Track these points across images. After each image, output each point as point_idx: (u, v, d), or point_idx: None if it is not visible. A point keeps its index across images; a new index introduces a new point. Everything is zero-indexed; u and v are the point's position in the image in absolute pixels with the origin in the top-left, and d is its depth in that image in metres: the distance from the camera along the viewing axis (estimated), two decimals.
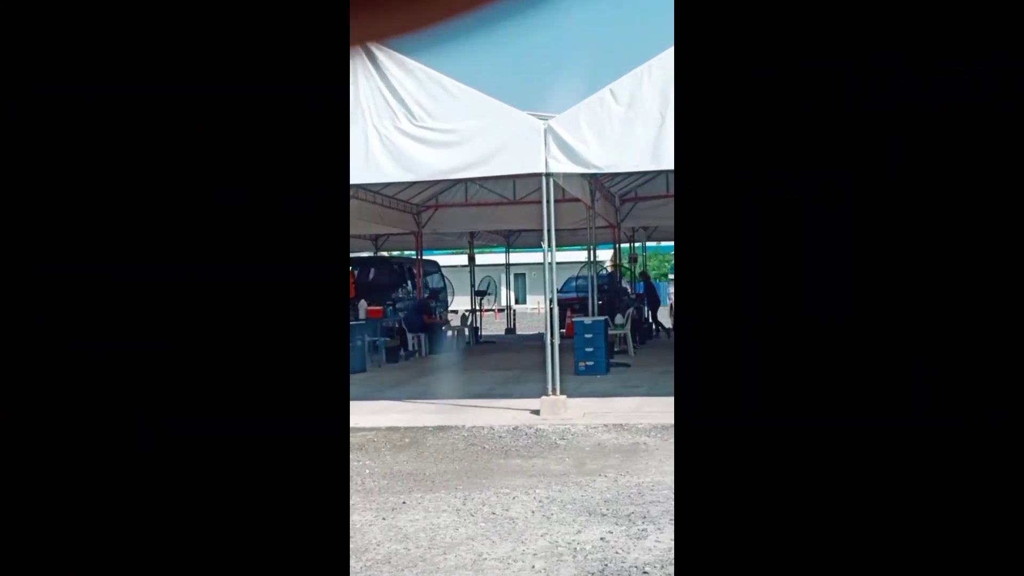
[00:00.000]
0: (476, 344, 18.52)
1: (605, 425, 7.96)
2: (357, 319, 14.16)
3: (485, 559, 4.30)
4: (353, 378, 12.37)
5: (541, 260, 9.22)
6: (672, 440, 4.07)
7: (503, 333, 21.32)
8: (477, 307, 20.45)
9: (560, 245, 9.96)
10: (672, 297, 24.07)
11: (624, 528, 4.75)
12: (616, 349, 13.67)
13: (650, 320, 18.09)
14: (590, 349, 11.46)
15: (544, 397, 8.71)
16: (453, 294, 21.11)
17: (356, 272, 16.72)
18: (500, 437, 7.68)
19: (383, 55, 9.09)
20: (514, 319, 22.72)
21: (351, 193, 13.12)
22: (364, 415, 8.93)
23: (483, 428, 8.05)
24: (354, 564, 4.27)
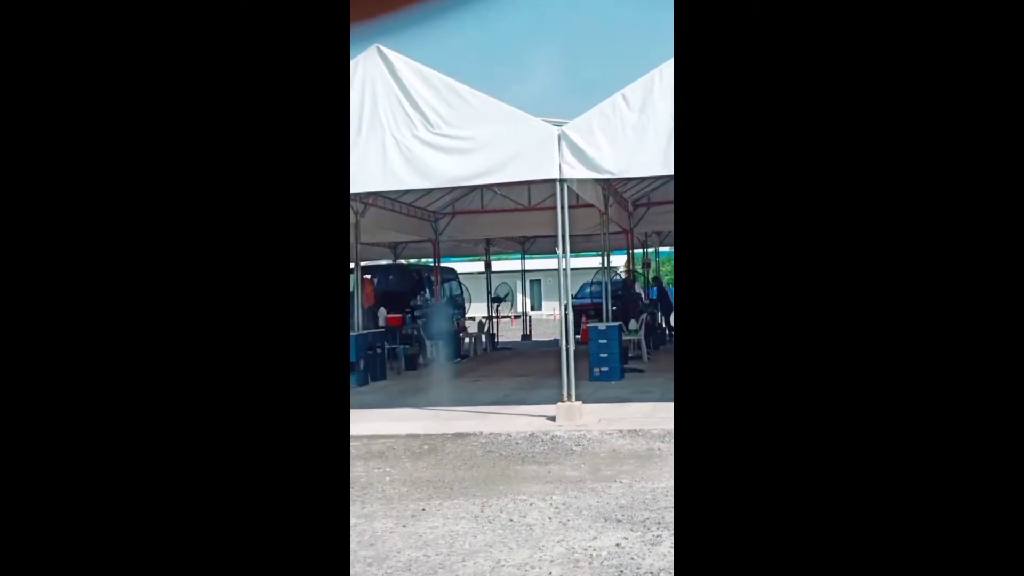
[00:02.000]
0: (493, 351, 18.56)
1: (620, 431, 7.99)
2: (377, 327, 14.23)
3: (503, 566, 4.35)
4: (373, 386, 12.44)
5: (556, 266, 9.27)
6: None
7: (519, 339, 21.36)
8: (494, 314, 20.49)
9: (574, 251, 10.00)
10: None
11: (639, 534, 4.79)
12: (630, 354, 13.68)
13: (663, 325, 18.08)
14: (605, 355, 11.49)
15: (560, 403, 8.75)
16: (470, 301, 21.17)
17: (375, 280, 16.80)
18: (517, 444, 7.73)
19: (402, 64, 9.18)
20: (530, 325, 22.74)
21: (370, 201, 13.20)
22: (384, 422, 9.00)
23: (500, 435, 8.11)
24: (376, 572, 4.33)
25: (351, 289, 12.82)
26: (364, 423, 8.94)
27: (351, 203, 12.66)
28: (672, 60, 8.48)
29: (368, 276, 15.72)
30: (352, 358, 12.20)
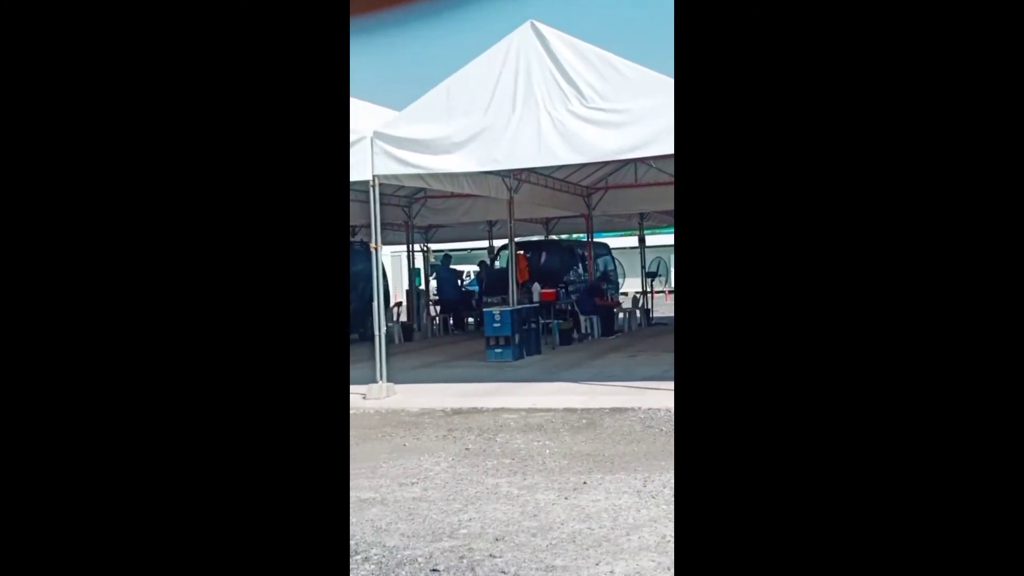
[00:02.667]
0: (648, 326, 18.40)
1: None
2: (532, 302, 14.36)
3: (669, 541, 4.30)
4: (528, 360, 12.58)
5: None
6: None
7: (674, 314, 21.08)
8: (648, 289, 20.31)
9: None
10: None
11: None
12: None
13: None
14: None
15: None
16: (624, 276, 21.03)
17: (529, 255, 16.93)
18: None
19: (555, 38, 9.16)
20: None
21: (523, 178, 13.28)
22: (541, 396, 9.07)
23: (659, 410, 8.02)
24: (539, 542, 4.37)
25: (505, 264, 12.95)
26: (521, 396, 9.04)
27: (504, 179, 12.78)
28: None
29: (522, 252, 15.85)
30: (507, 332, 12.37)
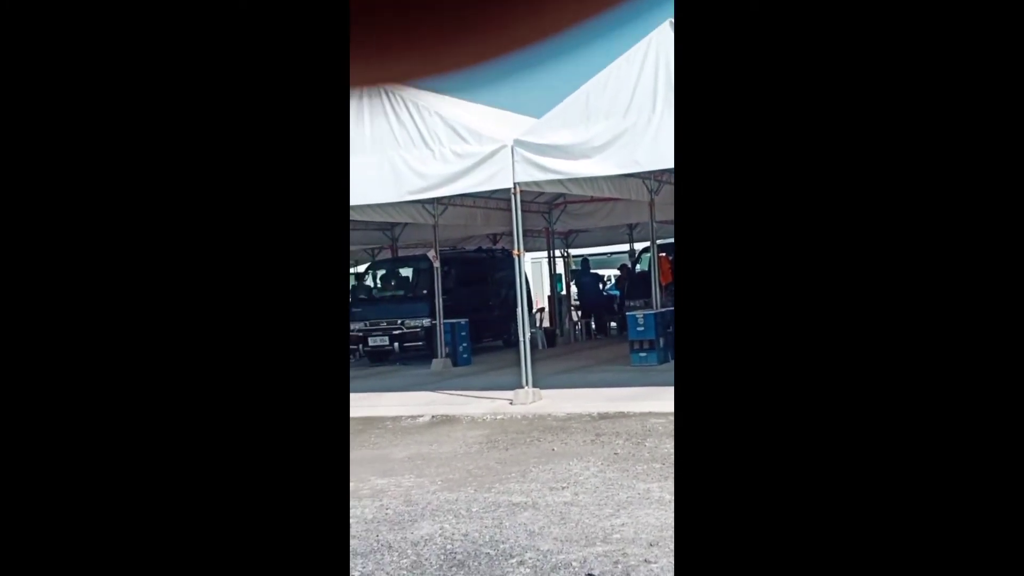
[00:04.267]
0: None
1: None
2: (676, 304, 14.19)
3: None
4: (671, 364, 12.41)
5: None
6: None
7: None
8: None
9: None
10: None
11: None
12: None
13: None
14: None
15: None
16: None
17: (671, 257, 16.73)
18: None
19: None
20: None
21: (664, 179, 13.15)
22: None
23: None
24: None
25: (647, 267, 12.83)
26: (667, 400, 8.90)
27: (644, 181, 12.68)
28: None
29: (664, 254, 15.69)
30: (651, 336, 12.25)
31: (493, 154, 9.89)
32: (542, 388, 9.91)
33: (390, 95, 10.47)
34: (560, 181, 10.31)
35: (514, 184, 9.85)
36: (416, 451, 7.56)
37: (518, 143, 9.81)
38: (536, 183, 10.25)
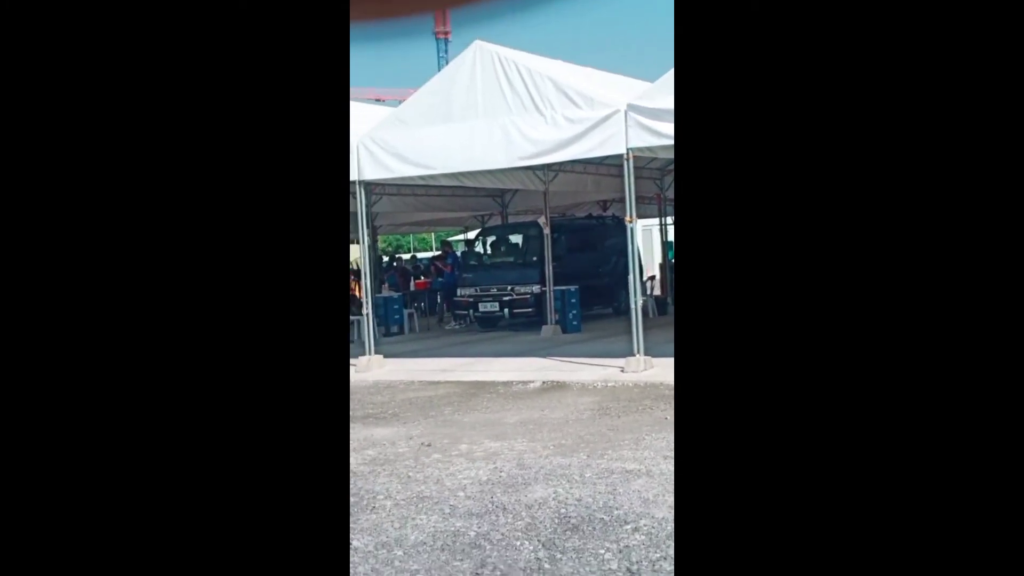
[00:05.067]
0: None
1: None
2: None
3: None
4: None
5: None
6: None
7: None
8: None
9: None
10: None
11: None
12: None
13: None
14: None
15: None
16: None
17: None
18: None
19: None
20: None
21: None
22: None
23: None
24: None
25: None
26: None
27: None
28: None
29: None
30: None
31: (606, 119, 9.77)
32: (653, 356, 9.82)
33: (502, 60, 10.45)
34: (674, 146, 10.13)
35: (627, 150, 9.72)
36: (528, 416, 7.61)
37: (631, 107, 9.66)
38: (650, 148, 10.08)
